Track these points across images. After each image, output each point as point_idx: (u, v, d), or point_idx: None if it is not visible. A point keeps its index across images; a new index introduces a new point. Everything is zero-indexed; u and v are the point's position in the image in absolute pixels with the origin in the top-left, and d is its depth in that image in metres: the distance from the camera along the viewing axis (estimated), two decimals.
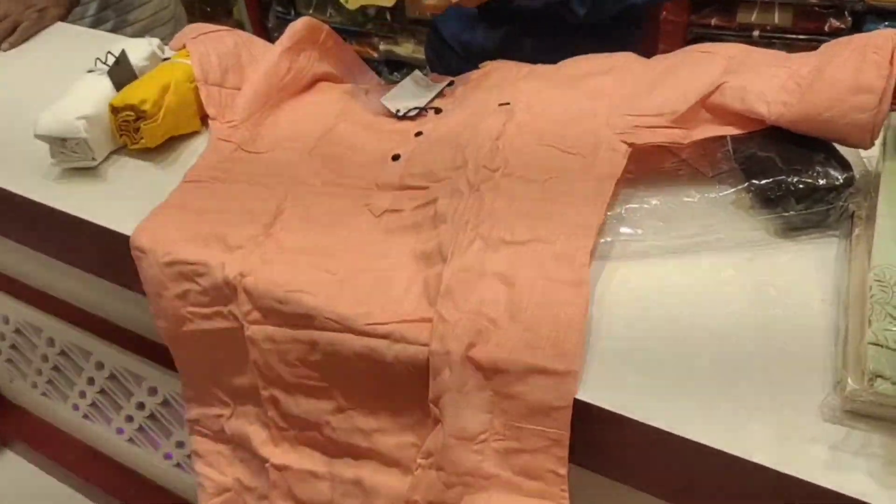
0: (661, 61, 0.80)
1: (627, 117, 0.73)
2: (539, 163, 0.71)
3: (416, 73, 0.94)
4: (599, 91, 0.78)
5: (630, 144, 0.71)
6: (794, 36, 1.67)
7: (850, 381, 0.52)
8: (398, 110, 0.88)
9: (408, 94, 0.90)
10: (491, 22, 1.10)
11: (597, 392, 0.57)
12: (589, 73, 0.81)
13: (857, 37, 0.69)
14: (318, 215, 0.75)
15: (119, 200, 0.84)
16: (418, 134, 0.83)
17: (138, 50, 0.96)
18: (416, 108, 0.88)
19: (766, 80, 0.69)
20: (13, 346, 1.31)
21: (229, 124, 0.88)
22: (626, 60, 0.82)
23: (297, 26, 0.94)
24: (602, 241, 0.68)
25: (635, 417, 0.56)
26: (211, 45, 0.95)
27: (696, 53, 0.78)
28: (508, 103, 0.79)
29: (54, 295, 1.09)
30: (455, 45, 1.16)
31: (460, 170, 0.73)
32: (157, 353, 0.98)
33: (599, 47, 1.10)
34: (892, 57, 0.63)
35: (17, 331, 1.26)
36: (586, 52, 1.05)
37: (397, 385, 0.64)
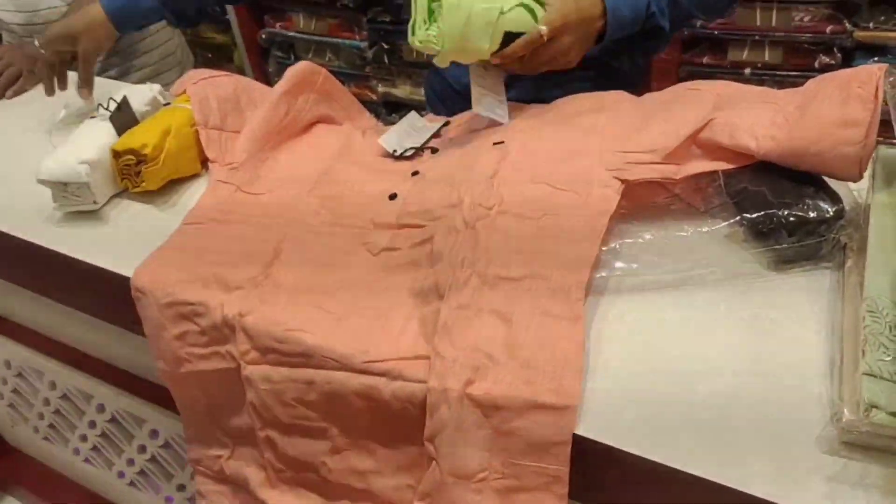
0: (651, 99, 0.81)
1: (619, 154, 0.74)
2: (533, 200, 0.72)
3: (413, 114, 0.96)
4: (592, 129, 0.79)
5: (623, 181, 0.72)
6: (784, 73, 1.70)
7: (846, 412, 0.53)
8: (395, 150, 0.89)
9: (404, 134, 0.92)
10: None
11: (594, 427, 0.57)
12: (581, 112, 0.83)
13: (842, 72, 0.70)
14: (316, 255, 0.76)
15: (120, 243, 0.85)
16: (415, 173, 0.84)
17: (140, 95, 0.98)
18: (412, 148, 0.89)
19: (754, 116, 0.70)
20: (15, 391, 1.31)
21: (229, 167, 0.89)
22: (617, 98, 0.83)
23: (296, 70, 0.96)
24: (597, 275, 0.68)
25: (633, 452, 0.55)
26: (211, 89, 0.96)
27: (686, 91, 0.79)
28: (503, 142, 0.81)
29: (56, 338, 1.10)
30: (458, 87, 1.18)
31: (456, 208, 0.74)
32: (158, 395, 0.98)
33: (602, 83, 1.13)
34: (876, 91, 0.65)
35: (20, 374, 1.26)
36: (589, 88, 1.08)
37: (395, 423, 0.64)
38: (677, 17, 0.95)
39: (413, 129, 0.93)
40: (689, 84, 0.81)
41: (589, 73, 1.06)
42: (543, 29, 0.82)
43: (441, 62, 0.82)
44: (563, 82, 1.09)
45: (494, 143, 0.81)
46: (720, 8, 1.05)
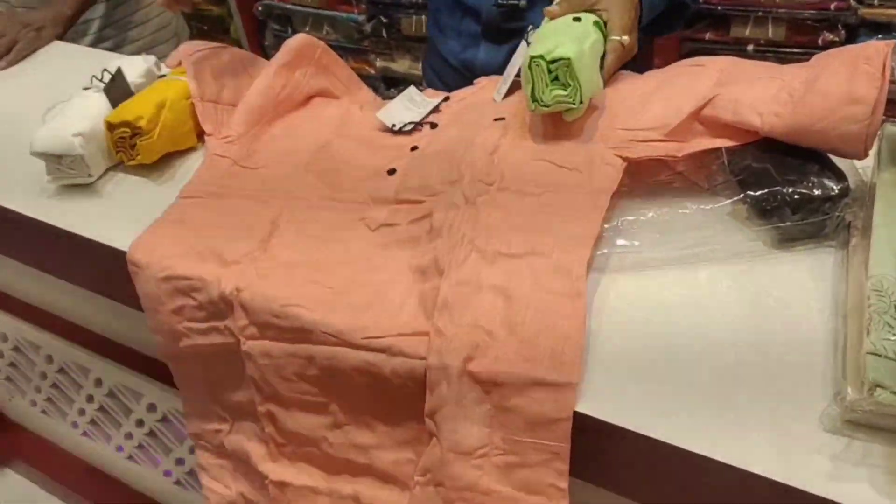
0: (654, 76, 0.80)
1: (621, 131, 0.73)
2: (534, 177, 0.72)
3: (412, 88, 0.94)
4: (593, 106, 0.78)
5: (625, 158, 0.71)
6: (788, 49, 1.68)
7: (849, 390, 0.52)
8: (394, 125, 0.88)
9: (403, 109, 0.91)
10: (493, 40, 1.10)
11: (596, 404, 0.57)
12: None
13: (848, 48, 0.69)
14: (313, 230, 0.75)
15: (115, 217, 0.84)
16: (414, 148, 0.83)
17: (134, 67, 0.97)
18: (411, 123, 0.88)
19: (758, 92, 0.69)
20: (12, 364, 1.31)
21: (225, 140, 0.88)
22: (618, 76, 0.82)
23: (293, 43, 0.95)
24: (599, 253, 0.68)
25: (635, 429, 0.55)
26: (207, 61, 0.95)
27: (689, 67, 0.78)
28: (503, 118, 0.79)
29: (52, 312, 1.09)
30: (455, 63, 1.16)
31: (456, 184, 0.73)
32: (155, 369, 0.97)
33: None
34: (883, 68, 0.64)
35: (16, 348, 1.26)
36: None
37: (395, 399, 0.64)
38: None
39: (412, 103, 0.92)
40: (692, 60, 0.80)
41: None
42: (625, 39, 0.81)
43: (573, 116, 0.78)
44: None
45: (495, 119, 0.79)
46: None
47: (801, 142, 0.67)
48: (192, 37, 1.85)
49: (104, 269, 0.82)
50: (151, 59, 1.01)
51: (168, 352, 0.80)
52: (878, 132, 0.71)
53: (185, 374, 0.82)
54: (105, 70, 0.94)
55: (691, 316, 0.63)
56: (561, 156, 0.73)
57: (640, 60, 1.19)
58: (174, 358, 0.81)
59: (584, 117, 0.77)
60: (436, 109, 0.91)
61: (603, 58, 0.81)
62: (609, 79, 0.82)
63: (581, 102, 0.74)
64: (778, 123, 0.67)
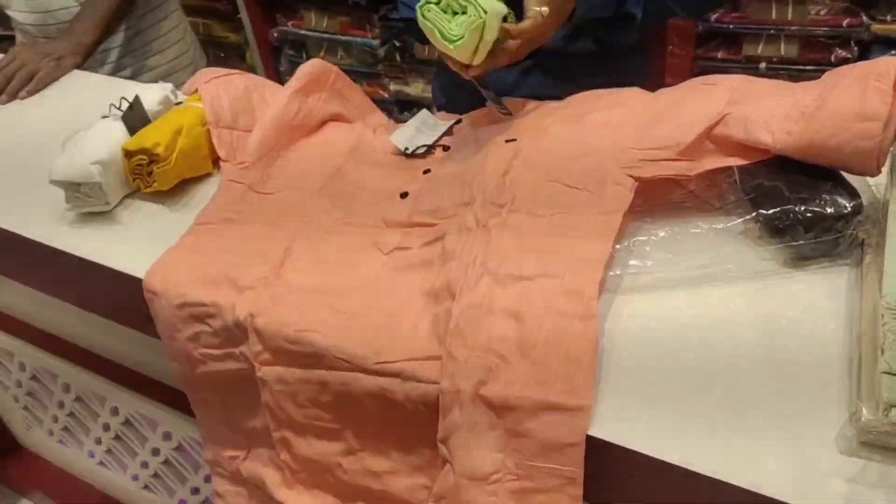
0: (664, 94, 0.80)
1: (633, 151, 0.73)
2: (546, 198, 0.72)
3: (424, 111, 0.95)
4: (605, 125, 0.78)
5: (636, 178, 0.71)
6: (800, 67, 1.68)
7: (864, 411, 0.52)
8: (406, 148, 0.89)
9: (416, 132, 0.91)
10: None
11: (609, 427, 0.57)
12: (594, 108, 0.82)
13: (859, 65, 0.69)
14: (326, 254, 0.75)
15: (132, 244, 0.85)
16: (426, 171, 0.84)
17: (152, 95, 0.98)
18: (424, 146, 0.89)
19: (769, 110, 0.69)
20: (29, 393, 1.32)
21: (240, 166, 0.89)
22: (630, 95, 0.82)
23: (307, 68, 0.96)
24: (611, 273, 0.68)
25: (649, 453, 0.55)
26: (222, 88, 0.96)
27: (699, 85, 0.78)
28: (515, 139, 0.80)
29: (69, 340, 1.10)
30: (466, 84, 1.17)
31: (468, 206, 0.73)
32: (171, 397, 0.98)
33: (612, 77, 1.12)
34: (895, 84, 0.64)
35: (34, 377, 1.27)
36: (599, 83, 1.07)
37: (409, 424, 0.64)
38: (654, 11, 0.95)
39: (425, 126, 0.92)
40: (703, 78, 0.80)
41: (601, 67, 1.06)
42: (544, 10, 0.82)
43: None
44: (576, 77, 1.09)
45: (507, 141, 0.80)
46: (700, 7, 1.05)
47: (813, 159, 0.67)
48: (209, 63, 1.88)
49: (121, 296, 0.82)
50: (168, 86, 1.02)
51: (185, 378, 0.81)
52: (891, 149, 0.70)
53: (202, 401, 0.83)
54: (123, 98, 0.95)
55: (705, 336, 0.63)
56: (572, 177, 0.73)
57: (652, 78, 1.20)
58: (191, 384, 0.82)
59: (596, 137, 0.77)
60: (448, 132, 0.92)
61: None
62: (524, 43, 0.84)
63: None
64: (790, 141, 0.67)
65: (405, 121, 0.96)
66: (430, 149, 0.89)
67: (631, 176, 0.71)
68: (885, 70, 0.64)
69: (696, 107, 0.74)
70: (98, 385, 1.15)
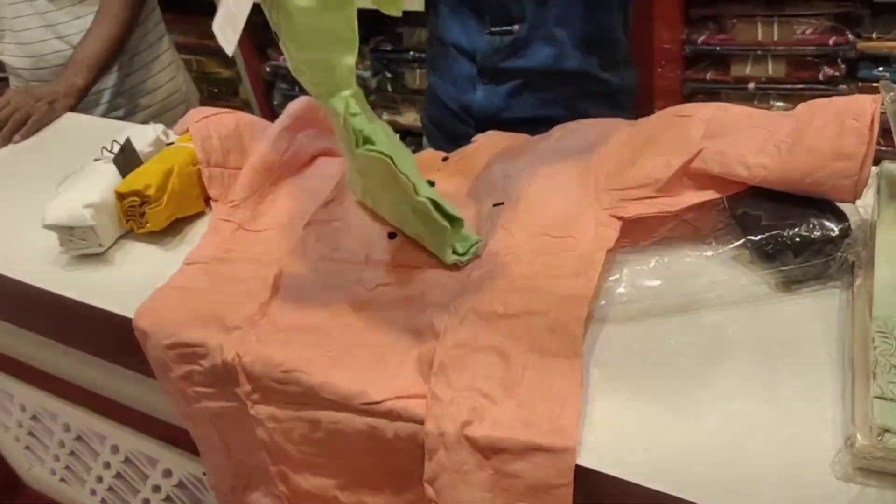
0: (643, 128, 0.81)
1: (614, 192, 0.74)
2: (533, 249, 0.72)
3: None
4: (586, 169, 0.79)
5: (620, 218, 0.72)
6: (789, 86, 1.69)
7: (859, 437, 0.51)
8: None
9: None
10: (489, 81, 1.12)
11: (602, 459, 0.56)
12: (575, 149, 0.82)
13: (835, 101, 0.69)
14: (312, 293, 0.76)
15: (127, 285, 0.85)
16: None
17: (143, 136, 0.99)
18: None
19: (743, 144, 0.70)
20: (30, 433, 1.32)
21: (230, 204, 0.90)
22: (610, 129, 0.83)
23: (296, 105, 0.97)
24: (602, 303, 0.68)
25: (641, 482, 0.54)
26: (213, 127, 0.97)
27: (675, 118, 0.79)
28: (502, 203, 0.80)
29: (68, 380, 1.10)
30: (454, 108, 1.18)
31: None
32: (170, 434, 0.98)
33: (596, 101, 1.13)
34: (871, 123, 0.64)
35: (34, 417, 1.27)
36: (584, 107, 1.08)
37: (400, 461, 0.63)
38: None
39: None
40: (677, 109, 0.80)
41: (585, 89, 1.07)
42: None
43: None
44: (560, 98, 1.10)
45: (494, 205, 0.80)
46: None
47: (791, 191, 0.68)
48: (203, 100, 1.90)
49: (116, 337, 0.82)
50: (160, 127, 1.03)
51: (182, 413, 0.81)
52: (878, 170, 0.71)
53: (202, 434, 0.83)
54: (114, 141, 0.96)
55: (698, 364, 0.63)
56: (559, 228, 0.74)
57: (640, 101, 1.22)
58: (189, 419, 0.82)
59: (577, 183, 0.78)
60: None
61: None
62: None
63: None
64: (766, 175, 0.67)
65: None
66: None
67: (615, 216, 0.72)
68: (862, 109, 0.65)
69: (673, 141, 0.75)
70: (97, 424, 1.15)
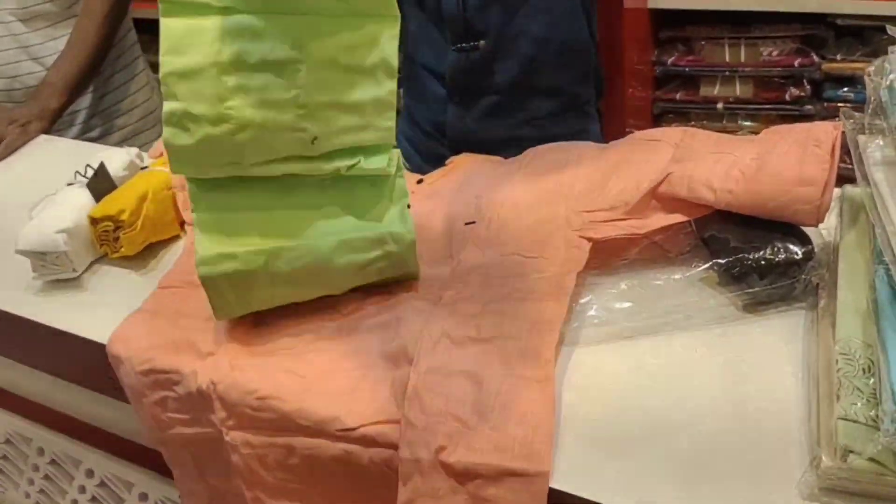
0: (612, 151, 0.82)
1: (584, 214, 0.75)
2: (503, 270, 0.73)
3: None
4: (557, 191, 0.80)
5: (590, 239, 0.73)
6: (757, 106, 1.73)
7: (824, 457, 0.53)
8: None
9: None
10: (459, 102, 1.14)
11: (574, 480, 0.57)
12: (546, 171, 0.83)
13: (797, 127, 0.72)
14: (286, 316, 0.76)
15: (100, 309, 0.84)
16: None
17: (117, 160, 0.99)
18: None
19: (710, 168, 0.72)
20: (4, 457, 1.30)
21: None
22: (580, 154, 0.84)
23: None
24: (574, 325, 0.69)
25: None
26: None
27: (644, 142, 0.81)
28: (474, 222, 0.82)
29: (43, 404, 1.09)
30: (428, 128, 1.19)
31: (424, 282, 0.75)
32: (145, 457, 0.97)
33: (568, 119, 1.15)
34: (832, 150, 0.66)
35: (7, 441, 1.25)
36: (557, 127, 1.09)
37: (375, 488, 0.64)
38: None
39: None
40: (647, 134, 0.82)
41: (556, 105, 1.08)
42: None
43: None
44: (532, 119, 1.11)
45: (466, 224, 0.81)
46: None
47: (755, 214, 0.70)
48: None
49: (90, 363, 0.82)
50: (134, 150, 1.03)
51: (157, 439, 0.80)
52: (840, 193, 0.73)
53: (176, 460, 0.82)
54: (88, 165, 0.96)
55: (668, 385, 0.64)
56: (528, 247, 0.75)
57: (611, 121, 1.24)
58: (163, 444, 0.81)
59: (548, 205, 0.79)
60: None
61: None
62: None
63: None
64: (732, 200, 0.69)
65: None
66: None
67: (584, 237, 0.73)
68: (824, 136, 0.67)
69: (642, 164, 0.76)
70: (72, 448, 1.13)
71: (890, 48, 0.64)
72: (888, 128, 0.63)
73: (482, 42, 1.07)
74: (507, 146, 0.93)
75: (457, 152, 0.98)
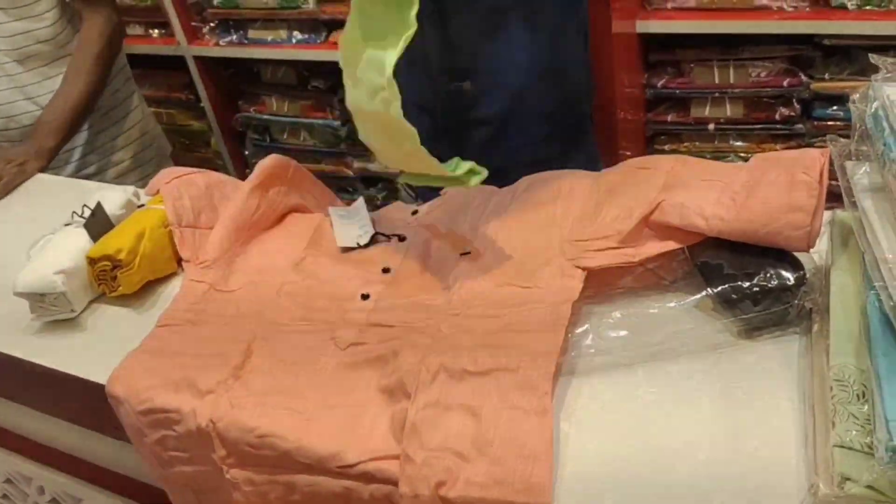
0: (605, 180, 0.83)
1: (578, 243, 0.76)
2: (498, 301, 0.74)
3: (359, 202, 0.96)
4: (551, 221, 0.81)
5: (584, 269, 0.73)
6: (748, 126, 1.74)
7: (821, 485, 0.53)
8: (357, 244, 0.90)
9: (356, 227, 0.92)
10: (451, 136, 1.15)
11: None
12: (540, 202, 0.84)
13: (786, 155, 0.73)
14: (284, 353, 0.76)
15: (98, 349, 0.85)
16: (386, 270, 0.85)
17: (114, 199, 1.00)
18: (369, 235, 0.90)
19: (701, 195, 0.73)
20: (5, 496, 1.29)
21: (202, 265, 0.90)
22: (572, 183, 0.85)
23: (266, 163, 0.98)
24: (570, 355, 0.69)
25: None
26: (184, 188, 0.98)
27: (636, 170, 0.82)
28: (469, 252, 0.82)
29: (43, 443, 1.09)
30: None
31: (423, 313, 0.75)
32: (145, 495, 0.97)
33: (565, 140, 1.16)
34: (821, 176, 0.67)
35: (8, 480, 1.24)
36: (549, 147, 1.12)
37: None
38: None
39: (361, 216, 0.93)
40: (639, 161, 0.83)
41: (552, 129, 1.09)
42: None
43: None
44: (528, 144, 1.12)
45: (461, 254, 0.82)
46: None
47: (747, 241, 0.70)
48: (175, 152, 1.91)
49: (89, 404, 0.82)
50: (130, 189, 1.04)
51: (159, 476, 0.80)
52: (829, 218, 0.74)
53: (178, 498, 0.83)
54: (85, 206, 0.96)
55: (665, 413, 0.64)
56: (523, 277, 0.75)
57: (604, 144, 1.25)
58: (165, 482, 0.81)
59: (542, 235, 0.80)
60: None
61: None
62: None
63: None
64: (723, 227, 0.70)
65: (371, 196, 0.97)
66: (385, 237, 0.90)
67: (579, 267, 0.73)
68: (812, 163, 0.68)
69: (635, 193, 0.77)
70: (72, 487, 1.13)
71: (874, 76, 0.65)
72: (874, 154, 0.64)
73: (467, 82, 1.08)
74: (506, 174, 0.94)
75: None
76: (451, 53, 1.08)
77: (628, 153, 1.79)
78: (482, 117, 1.12)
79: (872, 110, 0.63)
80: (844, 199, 0.66)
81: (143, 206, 1.00)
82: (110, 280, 0.89)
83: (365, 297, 0.81)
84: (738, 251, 0.71)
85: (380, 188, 2.24)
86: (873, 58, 0.65)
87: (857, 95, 0.65)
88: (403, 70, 1.15)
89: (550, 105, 1.14)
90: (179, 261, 0.95)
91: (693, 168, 0.78)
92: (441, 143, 1.15)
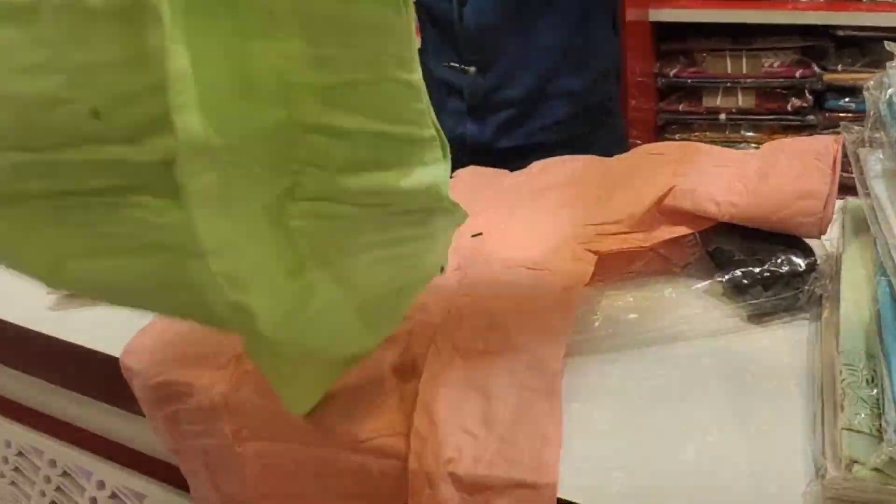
0: (617, 165, 0.84)
1: (589, 227, 0.76)
2: (509, 283, 0.74)
3: None
4: (562, 204, 0.81)
5: (595, 252, 0.74)
6: (759, 116, 1.74)
7: (829, 468, 0.53)
8: None
9: None
10: (479, 115, 1.16)
11: (582, 495, 0.58)
12: (551, 186, 0.85)
13: (798, 141, 0.73)
14: None
15: (114, 322, 0.85)
16: None
17: None
18: None
19: (713, 182, 0.73)
20: (16, 469, 1.31)
21: None
22: (585, 166, 0.85)
23: None
24: (580, 337, 0.70)
25: None
26: None
27: (648, 156, 0.82)
28: (481, 234, 0.83)
29: (54, 416, 1.10)
30: (452, 139, 1.22)
31: (434, 294, 0.75)
32: (157, 469, 0.98)
33: (588, 121, 1.16)
34: (834, 163, 0.68)
35: (20, 453, 1.26)
36: (574, 127, 1.12)
37: (387, 499, 0.64)
38: None
39: None
40: (651, 147, 0.84)
41: (575, 110, 1.10)
42: None
43: None
44: (552, 125, 1.13)
45: (473, 236, 0.83)
46: None
47: (759, 227, 0.71)
48: None
49: (103, 376, 0.83)
50: None
51: (171, 451, 0.81)
52: (842, 205, 0.74)
53: (190, 471, 0.83)
54: None
55: (674, 396, 0.65)
56: (533, 260, 0.76)
57: (616, 133, 1.25)
58: (178, 455, 0.82)
59: (553, 218, 0.80)
60: None
61: None
62: None
63: None
64: (735, 212, 0.70)
65: None
66: None
67: (590, 250, 0.74)
68: (825, 150, 0.69)
69: (647, 178, 0.78)
70: (83, 459, 1.14)
71: (889, 63, 0.65)
72: (888, 141, 0.64)
73: (472, 68, 1.10)
74: (529, 154, 0.95)
75: (477, 162, 1.00)
76: (478, 35, 1.08)
77: (639, 142, 1.79)
78: (508, 98, 1.13)
79: (887, 97, 0.63)
80: (857, 186, 0.66)
81: None
82: None
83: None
84: (749, 237, 0.71)
85: None
86: (889, 45, 0.65)
87: (872, 82, 0.65)
88: (433, 50, 1.16)
89: (577, 86, 1.14)
90: None
91: (705, 154, 0.79)
92: (467, 122, 1.17)
